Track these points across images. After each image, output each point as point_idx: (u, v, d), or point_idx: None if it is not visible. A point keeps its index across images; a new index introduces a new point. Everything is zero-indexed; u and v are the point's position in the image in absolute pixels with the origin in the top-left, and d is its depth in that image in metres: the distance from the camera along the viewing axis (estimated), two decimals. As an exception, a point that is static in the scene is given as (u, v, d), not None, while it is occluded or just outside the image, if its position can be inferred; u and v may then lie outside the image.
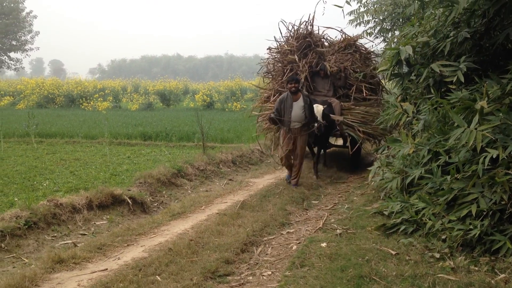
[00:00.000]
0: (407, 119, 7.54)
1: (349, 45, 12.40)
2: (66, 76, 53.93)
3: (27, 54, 53.95)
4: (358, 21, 14.93)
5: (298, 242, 6.28)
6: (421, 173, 6.37)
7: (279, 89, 11.82)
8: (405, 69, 8.14)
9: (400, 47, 7.34)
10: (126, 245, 6.13)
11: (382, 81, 12.34)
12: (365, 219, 6.83)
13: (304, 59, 11.70)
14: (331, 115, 10.38)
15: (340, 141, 13.47)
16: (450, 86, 6.63)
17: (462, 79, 6.46)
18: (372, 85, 11.93)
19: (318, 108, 9.52)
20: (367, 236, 6.06)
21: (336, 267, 5.02)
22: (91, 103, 29.64)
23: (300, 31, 12.14)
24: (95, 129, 16.95)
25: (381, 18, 15.18)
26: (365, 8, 15.06)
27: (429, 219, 5.72)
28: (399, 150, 6.99)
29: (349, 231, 6.41)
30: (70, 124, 18.49)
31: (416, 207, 6.05)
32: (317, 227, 6.82)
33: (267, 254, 5.88)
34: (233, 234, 6.35)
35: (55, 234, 6.54)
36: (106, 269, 5.25)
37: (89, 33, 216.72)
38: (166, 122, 18.75)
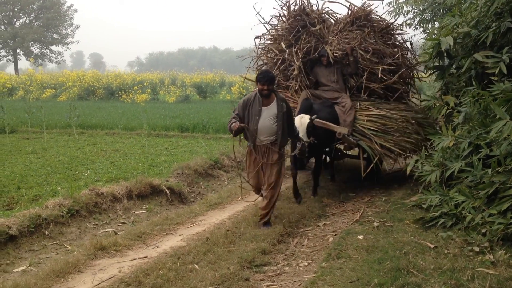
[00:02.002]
0: (448, 111, 7.41)
1: (357, 19, 9.26)
2: (106, 69, 55.02)
3: (68, 47, 55.26)
4: (397, 12, 14.69)
5: (334, 234, 6.27)
6: (461, 166, 6.25)
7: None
8: (445, 61, 7.98)
9: (441, 38, 7.20)
10: (165, 233, 6.25)
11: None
12: (403, 212, 6.76)
13: (297, 45, 8.97)
14: (331, 125, 7.86)
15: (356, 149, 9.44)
16: (492, 78, 6.46)
17: (505, 71, 6.29)
18: (396, 73, 8.95)
19: (302, 121, 6.92)
20: (405, 229, 6.00)
21: (373, 260, 5.00)
22: (130, 95, 30.08)
23: (292, 8, 9.39)
24: (134, 121, 17.23)
25: (421, 8, 14.89)
26: (405, -1, 14.81)
27: (469, 213, 5.62)
28: (439, 143, 6.88)
29: (386, 224, 6.36)
30: (110, 116, 18.85)
31: (456, 201, 5.94)
32: (354, 219, 6.79)
33: (303, 245, 5.90)
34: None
35: (97, 222, 6.71)
36: (146, 256, 5.38)
37: (128, 26, 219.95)
38: (203, 114, 18.90)
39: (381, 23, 9.51)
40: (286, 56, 8.90)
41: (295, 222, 6.65)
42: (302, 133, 6.84)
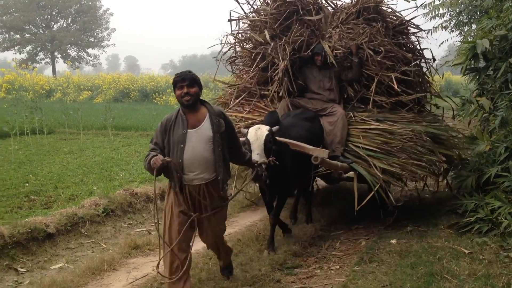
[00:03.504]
0: (484, 116, 7.28)
1: (364, 10, 7.09)
2: (140, 71, 55.91)
3: (103, 51, 56.31)
4: (433, 14, 14.48)
5: (367, 237, 6.24)
6: (497, 171, 6.14)
7: (247, 86, 7.25)
8: (482, 63, 7.84)
9: (477, 40, 7.07)
10: (197, 234, 6.31)
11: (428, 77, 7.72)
12: (438, 217, 6.66)
13: (284, 36, 6.84)
14: (302, 145, 5.68)
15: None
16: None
17: None
18: (407, 82, 7.01)
19: (259, 133, 5.05)
20: (439, 234, 5.93)
21: (406, 264, 4.95)
22: (164, 97, 30.44)
23: None
24: (167, 122, 17.39)
25: (457, 11, 14.63)
26: (441, 1, 14.58)
27: (505, 219, 5.51)
28: (475, 148, 6.76)
29: (420, 228, 6.29)
30: (144, 118, 19.11)
31: (492, 206, 5.83)
32: (387, 223, 6.73)
33: (335, 248, 5.89)
34: (301, 228, 6.40)
35: (131, 222, 6.84)
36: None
37: (162, 30, 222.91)
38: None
39: (393, 18, 7.40)
40: (269, 51, 6.67)
41: (327, 225, 6.64)
42: (257, 150, 4.93)
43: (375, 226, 6.74)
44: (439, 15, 14.58)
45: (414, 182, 7.30)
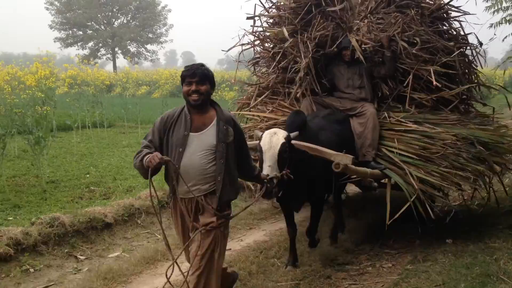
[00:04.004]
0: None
1: None
2: (216, 67, 56.64)
3: (162, 46, 57.49)
4: (496, 8, 13.93)
5: (421, 236, 6.11)
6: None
7: (269, 85, 6.62)
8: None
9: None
10: (248, 228, 6.41)
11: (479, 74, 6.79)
12: (496, 217, 6.44)
13: (306, 32, 6.15)
14: (324, 150, 4.86)
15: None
16: None
17: None
18: (450, 75, 6.18)
19: (273, 141, 4.28)
20: (497, 234, 5.74)
21: (461, 264, 4.83)
22: (219, 92, 30.84)
23: None
24: (222, 117, 17.59)
25: (523, 2, 14.00)
26: (504, -8, 13.98)
27: None
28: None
29: (477, 228, 6.10)
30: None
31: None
32: (443, 222, 6.55)
33: (388, 246, 5.80)
34: (354, 225, 6.34)
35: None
36: (230, 249, 5.53)
37: (218, 26, 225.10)
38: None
39: (430, 2, 6.49)
40: (289, 48, 6.09)
41: (380, 223, 6.54)
42: (269, 161, 4.18)
43: (431, 224, 6.58)
44: (503, 8, 14.01)
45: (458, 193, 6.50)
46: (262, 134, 4.42)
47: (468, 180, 5.50)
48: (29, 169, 8.57)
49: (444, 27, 6.57)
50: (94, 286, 4.60)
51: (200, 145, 3.54)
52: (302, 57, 5.89)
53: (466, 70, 6.51)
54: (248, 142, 4.16)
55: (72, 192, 7.26)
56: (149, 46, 56.37)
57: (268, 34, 6.67)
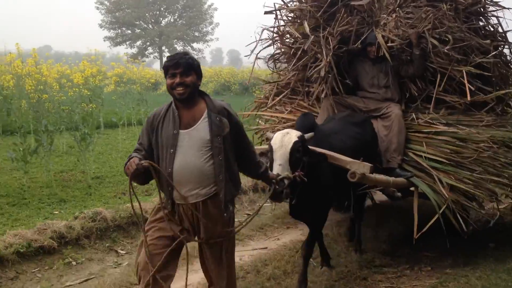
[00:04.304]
0: None
1: None
2: (242, 65, 56.96)
3: (208, 45, 58.10)
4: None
5: (462, 240, 5.96)
6: None
7: (288, 83, 6.20)
8: None
9: None
10: (285, 227, 6.41)
11: None
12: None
13: (329, 27, 5.65)
14: (340, 157, 4.34)
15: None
16: None
17: None
18: (485, 77, 5.51)
19: (285, 140, 3.98)
20: (543, 240, 5.54)
21: (503, 269, 4.72)
22: (264, 90, 30.97)
23: None
24: (265, 115, 17.66)
25: None
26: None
27: None
28: None
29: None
30: (243, 110, 19.54)
31: None
32: (486, 226, 6.38)
33: (427, 249, 5.68)
34: (391, 226, 6.25)
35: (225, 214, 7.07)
36: (266, 247, 5.59)
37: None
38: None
39: None
40: (307, 45, 5.48)
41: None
42: (280, 160, 3.88)
43: (472, 228, 6.42)
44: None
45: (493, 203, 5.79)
46: (274, 134, 4.12)
47: (506, 187, 5.05)
48: (75, 165, 8.86)
49: (480, 23, 5.99)
50: (132, 280, 4.71)
51: (193, 143, 3.16)
52: (324, 54, 5.34)
53: (504, 71, 5.90)
54: (262, 146, 4.07)
55: (116, 188, 7.47)
56: (195, 45, 57.09)
57: (288, 29, 6.14)
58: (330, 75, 5.47)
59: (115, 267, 5.24)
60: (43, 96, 8.54)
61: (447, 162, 4.95)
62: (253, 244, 5.75)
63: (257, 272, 4.82)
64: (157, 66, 55.51)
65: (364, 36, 5.54)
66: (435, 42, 5.19)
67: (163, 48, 55.11)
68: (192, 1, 55.39)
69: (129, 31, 54.65)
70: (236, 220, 3.60)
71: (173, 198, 3.23)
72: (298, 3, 6.14)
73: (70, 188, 7.37)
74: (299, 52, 5.70)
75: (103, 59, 16.28)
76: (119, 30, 54.51)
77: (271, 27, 6.17)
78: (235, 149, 3.32)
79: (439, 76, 5.30)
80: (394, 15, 5.50)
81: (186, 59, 3.16)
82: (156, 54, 56.26)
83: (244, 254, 5.38)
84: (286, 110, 6.00)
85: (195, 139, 3.15)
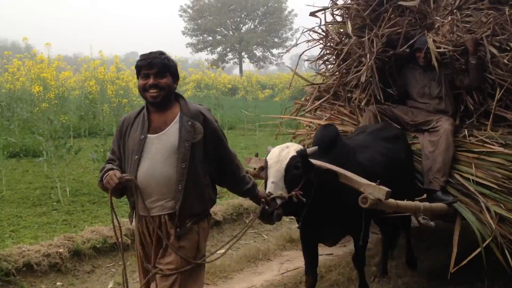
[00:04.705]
0: None
1: None
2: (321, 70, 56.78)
3: (287, 51, 58.34)
4: None
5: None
6: None
7: (331, 86, 5.64)
8: None
9: None
10: (353, 235, 6.33)
11: None
12: None
13: (375, 28, 5.15)
14: (354, 178, 3.70)
15: None
16: None
17: None
18: None
19: (282, 155, 3.54)
20: None
21: None
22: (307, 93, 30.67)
23: None
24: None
25: None
26: None
27: None
28: None
29: None
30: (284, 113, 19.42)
31: None
32: None
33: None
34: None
35: (293, 217, 7.12)
36: (332, 254, 5.56)
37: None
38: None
39: None
40: (353, 47, 5.05)
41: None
42: (274, 177, 3.46)
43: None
44: None
45: None
46: (273, 149, 3.68)
47: None
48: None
49: None
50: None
51: (161, 149, 2.84)
52: (368, 57, 4.89)
53: None
54: None
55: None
56: (274, 51, 57.55)
57: (331, 28, 5.67)
58: (371, 80, 4.99)
59: (184, 266, 5.45)
60: (123, 101, 9.00)
61: (498, 188, 4.32)
62: (319, 250, 5.74)
63: (320, 277, 4.81)
64: (236, 71, 56.54)
65: (413, 40, 5.02)
66: (494, 51, 4.51)
67: (243, 54, 56.05)
68: (273, 8, 55.92)
69: (210, 38, 56.05)
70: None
71: (143, 213, 2.87)
72: (343, 1, 5.71)
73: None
74: (342, 54, 5.23)
75: (182, 65, 16.87)
76: (201, 37, 56.04)
77: (314, 28, 5.78)
78: (213, 161, 2.97)
79: (498, 89, 4.64)
80: (450, 18, 4.87)
81: (161, 59, 2.88)
82: (236, 60, 57.31)
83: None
84: (326, 116, 5.55)
85: (164, 145, 2.84)
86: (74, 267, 4.98)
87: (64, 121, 8.77)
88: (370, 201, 3.49)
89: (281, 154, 3.52)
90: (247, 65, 62.99)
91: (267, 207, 3.23)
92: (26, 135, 10.38)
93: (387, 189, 3.54)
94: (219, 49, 56.25)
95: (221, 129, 3.08)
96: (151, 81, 2.84)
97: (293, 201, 3.41)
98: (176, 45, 64.99)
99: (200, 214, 2.92)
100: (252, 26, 57.24)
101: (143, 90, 2.89)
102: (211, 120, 2.96)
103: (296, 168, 3.48)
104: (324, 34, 5.72)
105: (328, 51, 5.79)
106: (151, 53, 2.91)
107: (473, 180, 4.39)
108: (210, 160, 2.95)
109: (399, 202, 3.81)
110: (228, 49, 56.26)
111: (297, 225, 3.88)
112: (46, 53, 11.39)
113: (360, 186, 3.63)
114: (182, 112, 2.89)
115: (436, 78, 4.87)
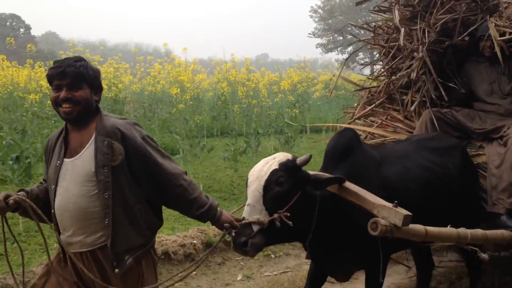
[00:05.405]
0: None
1: None
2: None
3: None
4: None
5: None
6: None
7: (381, 90, 4.82)
8: None
9: None
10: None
11: None
12: None
13: (426, 17, 4.30)
14: (363, 194, 2.82)
15: None
16: None
17: None
18: None
19: (264, 170, 2.80)
20: None
21: None
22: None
23: None
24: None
25: None
26: None
27: None
28: None
29: None
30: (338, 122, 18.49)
31: None
32: None
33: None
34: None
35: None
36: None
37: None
38: None
39: None
40: (403, 41, 4.19)
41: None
42: (251, 198, 2.78)
43: None
44: None
45: None
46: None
47: None
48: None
49: None
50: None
51: (76, 176, 2.39)
52: (419, 51, 4.09)
53: None
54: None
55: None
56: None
57: (379, 22, 4.94)
58: (424, 77, 4.16)
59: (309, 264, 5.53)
60: (253, 102, 9.31)
61: None
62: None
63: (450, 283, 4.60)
64: (366, 71, 55.53)
65: (473, 27, 4.14)
66: None
67: (374, 53, 54.83)
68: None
69: (341, 38, 55.54)
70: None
71: (62, 246, 2.46)
72: None
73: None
74: (393, 50, 4.50)
75: (312, 66, 17.01)
76: (331, 37, 55.72)
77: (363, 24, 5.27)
78: (146, 183, 2.48)
79: None
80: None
81: (75, 67, 2.37)
82: (367, 59, 56.31)
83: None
84: (378, 122, 4.71)
85: (78, 172, 2.38)
86: (206, 258, 5.25)
87: (198, 121, 9.28)
88: (381, 228, 2.62)
89: (263, 169, 2.82)
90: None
91: (234, 235, 2.62)
92: (165, 134, 11.08)
93: (405, 212, 2.66)
94: (349, 49, 55.61)
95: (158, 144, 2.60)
96: (63, 93, 2.35)
97: (276, 226, 2.67)
98: (305, 46, 65.31)
99: (140, 247, 2.47)
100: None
101: (55, 104, 2.40)
102: (131, 136, 2.42)
103: (279, 184, 2.76)
104: (368, 29, 5.07)
105: (379, 49, 5.08)
106: (64, 60, 2.44)
107: None
108: (142, 182, 2.47)
109: (430, 229, 2.85)
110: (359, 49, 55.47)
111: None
112: (183, 57, 12.10)
113: (373, 208, 2.78)
114: (97, 130, 2.40)
115: (508, 71, 4.04)
